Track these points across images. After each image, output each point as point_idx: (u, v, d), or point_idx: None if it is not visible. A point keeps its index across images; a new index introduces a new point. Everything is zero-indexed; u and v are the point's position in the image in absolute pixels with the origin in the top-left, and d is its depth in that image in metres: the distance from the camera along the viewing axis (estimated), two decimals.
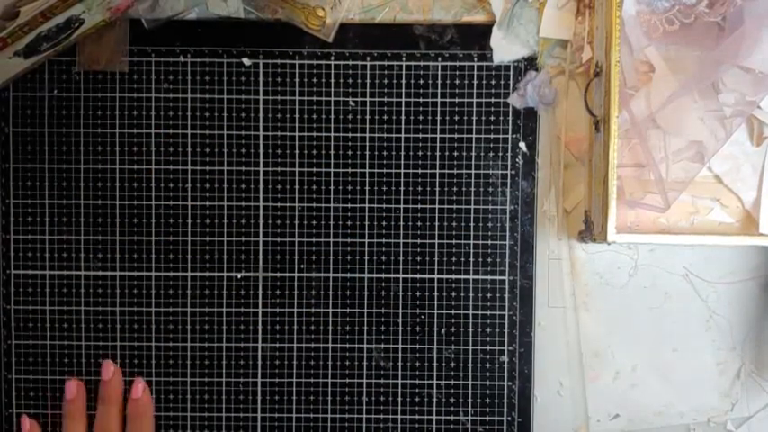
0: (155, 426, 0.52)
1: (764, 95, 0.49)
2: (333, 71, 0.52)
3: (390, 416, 0.53)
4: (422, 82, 0.52)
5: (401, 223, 0.53)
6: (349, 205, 0.53)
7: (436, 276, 0.53)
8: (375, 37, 0.52)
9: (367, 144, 0.52)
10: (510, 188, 0.52)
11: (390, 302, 0.53)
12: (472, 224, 0.53)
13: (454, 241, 0.53)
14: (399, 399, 0.53)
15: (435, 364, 0.53)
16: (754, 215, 0.51)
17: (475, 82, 0.52)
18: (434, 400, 0.53)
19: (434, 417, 0.53)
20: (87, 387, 0.52)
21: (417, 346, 0.53)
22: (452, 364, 0.53)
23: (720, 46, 0.48)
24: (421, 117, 0.52)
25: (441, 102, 0.52)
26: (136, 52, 0.52)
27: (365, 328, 0.53)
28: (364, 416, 0.53)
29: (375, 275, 0.53)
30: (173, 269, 0.53)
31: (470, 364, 0.53)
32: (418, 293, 0.53)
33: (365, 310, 0.53)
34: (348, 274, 0.53)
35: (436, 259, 0.53)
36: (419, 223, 0.53)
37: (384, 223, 0.53)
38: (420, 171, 0.53)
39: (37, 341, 0.53)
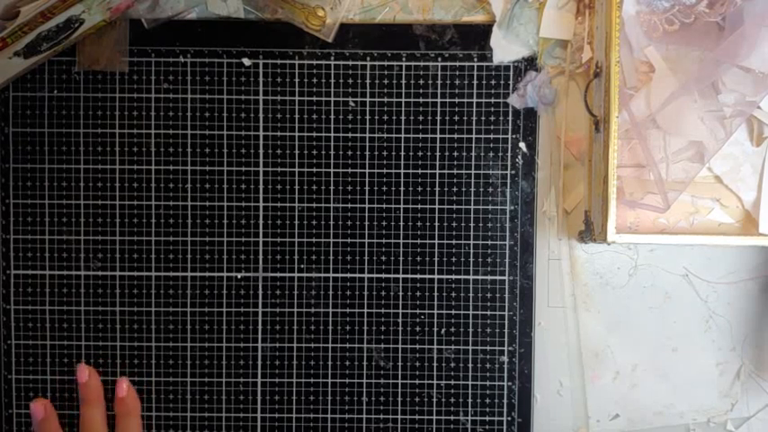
0: (143, 425, 0.52)
1: (764, 95, 0.49)
2: (333, 71, 0.52)
3: (390, 416, 0.53)
4: (422, 82, 0.52)
5: (401, 223, 0.53)
6: (349, 205, 0.53)
7: (436, 276, 0.53)
8: (375, 37, 0.52)
9: (367, 144, 0.52)
10: (510, 188, 0.52)
11: (390, 302, 0.53)
12: (472, 224, 0.53)
13: (454, 241, 0.53)
14: (399, 399, 0.53)
15: (435, 364, 0.53)
16: (754, 215, 0.51)
17: (475, 82, 0.52)
18: (434, 400, 0.53)
19: (434, 417, 0.53)
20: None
21: (417, 346, 0.53)
22: (452, 364, 0.53)
23: (720, 46, 0.48)
24: (421, 117, 0.52)
25: (441, 102, 0.52)
26: (136, 52, 0.52)
27: (365, 328, 0.53)
28: (364, 416, 0.53)
29: (375, 275, 0.53)
30: (173, 269, 0.53)
31: (470, 365, 0.53)
32: (418, 293, 0.53)
33: (365, 310, 0.53)
34: (348, 274, 0.53)
35: (436, 259, 0.53)
36: (419, 223, 0.53)
37: (384, 223, 0.53)
38: (420, 171, 0.52)
39: (37, 341, 0.53)
